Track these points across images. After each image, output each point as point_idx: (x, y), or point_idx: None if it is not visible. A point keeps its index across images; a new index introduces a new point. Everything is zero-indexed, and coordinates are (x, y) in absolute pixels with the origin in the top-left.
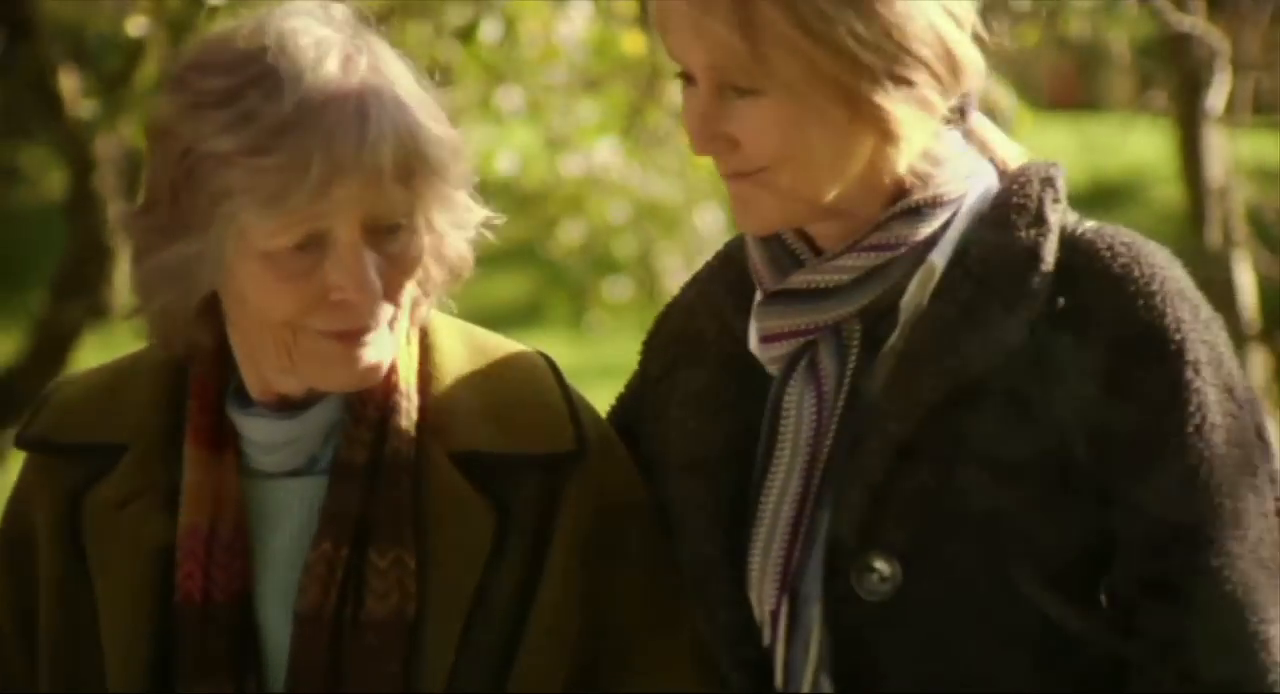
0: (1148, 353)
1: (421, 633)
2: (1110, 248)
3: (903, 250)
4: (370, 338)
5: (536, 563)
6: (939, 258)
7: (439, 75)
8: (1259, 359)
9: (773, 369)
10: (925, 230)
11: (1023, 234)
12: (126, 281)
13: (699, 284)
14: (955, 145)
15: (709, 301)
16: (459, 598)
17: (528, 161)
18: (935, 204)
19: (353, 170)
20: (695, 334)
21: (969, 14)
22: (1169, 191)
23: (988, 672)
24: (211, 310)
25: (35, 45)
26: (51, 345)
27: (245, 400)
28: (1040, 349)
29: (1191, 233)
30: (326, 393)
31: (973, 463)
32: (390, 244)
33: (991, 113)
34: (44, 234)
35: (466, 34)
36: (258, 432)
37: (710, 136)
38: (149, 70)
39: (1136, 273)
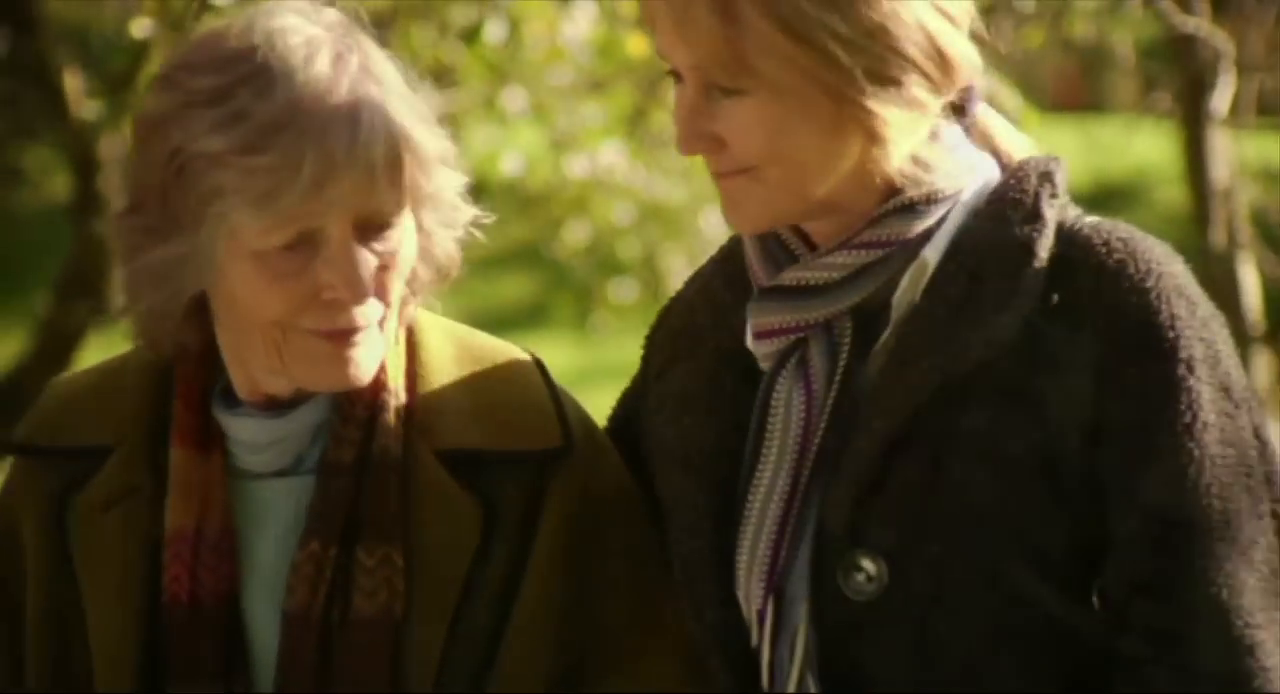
0: (1140, 349)
1: (409, 631)
2: (1106, 243)
3: (895, 248)
4: (361, 338)
5: (522, 560)
6: (932, 254)
7: (444, 76)
8: (1263, 361)
9: (765, 366)
10: (919, 227)
11: (1017, 229)
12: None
13: (700, 280)
14: (954, 140)
15: (709, 297)
16: (446, 596)
17: (532, 163)
18: (930, 200)
19: (345, 169)
20: (695, 329)
21: (964, 11)
22: (1173, 193)
23: (975, 672)
24: (199, 311)
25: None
26: (56, 346)
27: (232, 400)
28: (1034, 344)
29: (1196, 234)
30: (315, 393)
31: (963, 460)
32: (380, 243)
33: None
34: (48, 235)
35: (471, 35)
36: (245, 431)
37: (696, 135)
38: (153, 71)
39: (1131, 268)
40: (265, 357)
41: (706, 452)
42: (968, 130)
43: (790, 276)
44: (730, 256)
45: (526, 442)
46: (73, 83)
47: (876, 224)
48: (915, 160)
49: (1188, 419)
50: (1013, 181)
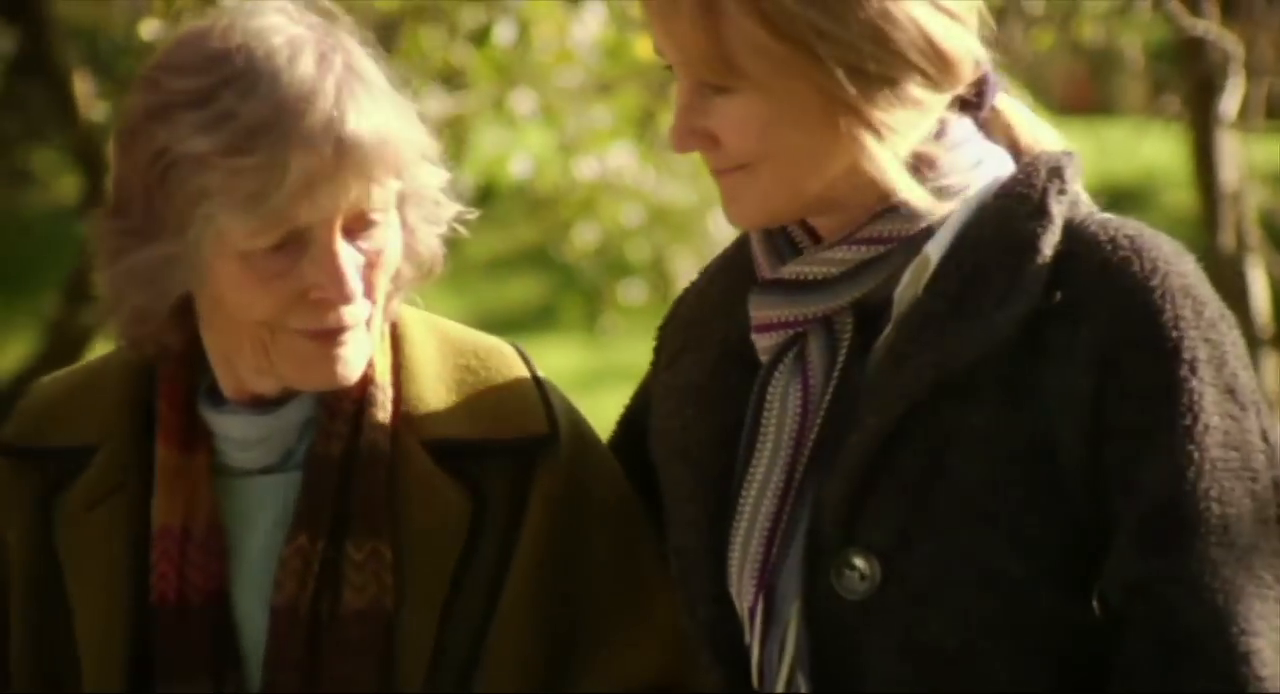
0: (1141, 348)
1: (399, 624)
2: (1112, 240)
3: (896, 244)
4: (348, 337)
5: (510, 549)
6: (935, 250)
7: (453, 79)
8: (1271, 363)
9: (764, 359)
10: (921, 223)
11: (1021, 225)
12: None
13: (713, 270)
14: (961, 135)
15: (718, 289)
16: (436, 588)
17: (541, 165)
18: (934, 196)
19: (331, 169)
20: (704, 320)
21: (966, 7)
22: (1182, 196)
23: (969, 671)
24: (182, 311)
25: (49, 48)
26: (64, 348)
27: (217, 398)
28: (1035, 342)
29: (1204, 237)
30: (301, 390)
31: (960, 457)
32: (367, 241)
33: None
34: (56, 237)
35: (480, 37)
36: (233, 429)
37: (689, 132)
38: None
39: (1136, 266)
40: (252, 357)
41: (706, 444)
42: (985, 124)
43: (790, 271)
44: (742, 247)
45: (513, 430)
46: (81, 85)
47: (878, 220)
48: (917, 156)
49: (1187, 421)
50: (1021, 177)
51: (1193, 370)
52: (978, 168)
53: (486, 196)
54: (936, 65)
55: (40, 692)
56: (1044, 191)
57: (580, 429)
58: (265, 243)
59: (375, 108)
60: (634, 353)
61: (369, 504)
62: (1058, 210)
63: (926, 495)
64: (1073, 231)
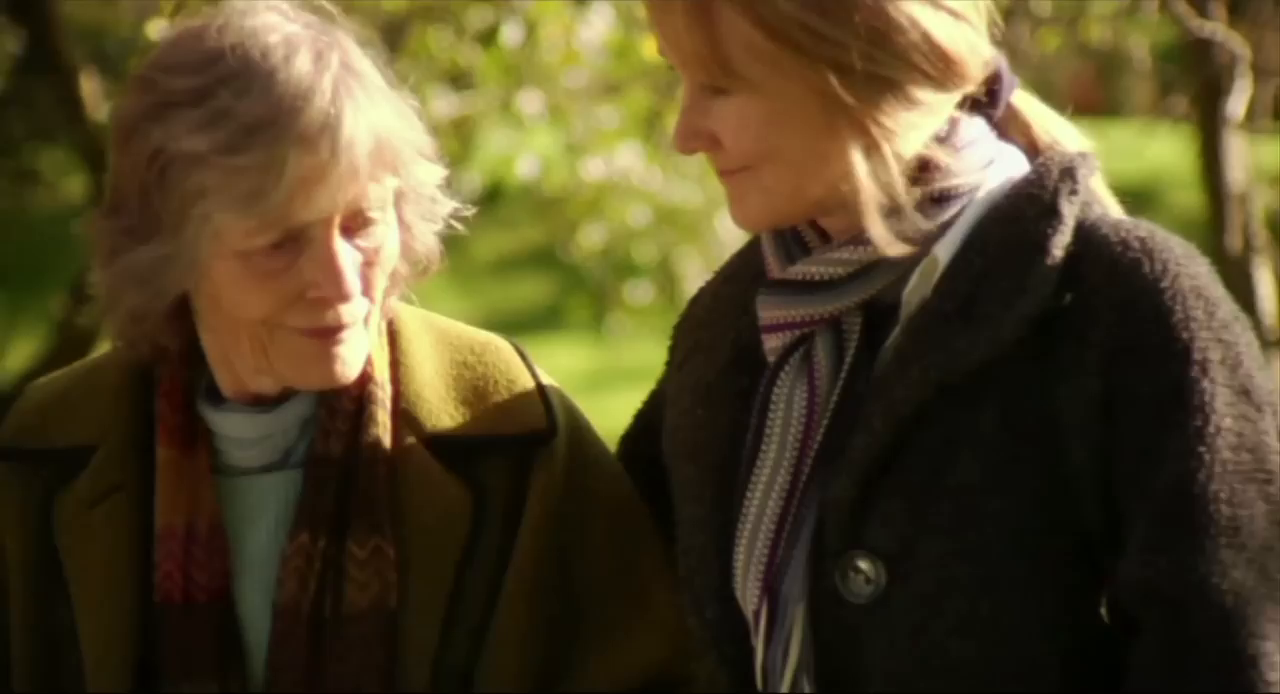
0: (1150, 350)
1: (402, 621)
2: (1123, 241)
3: None
4: (346, 335)
5: (510, 544)
6: (944, 250)
7: (460, 79)
8: (1279, 365)
9: (772, 360)
10: (929, 224)
11: (1031, 226)
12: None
13: (726, 271)
14: (972, 135)
15: (731, 288)
16: (440, 585)
17: (548, 166)
18: (943, 197)
19: (329, 168)
20: (716, 321)
21: (971, 6)
22: (1189, 197)
23: (974, 675)
24: (178, 311)
25: (56, 48)
26: (71, 347)
27: (216, 397)
28: (1044, 344)
29: (1211, 239)
30: (300, 389)
31: (966, 460)
32: (364, 239)
33: None
34: (64, 236)
35: (488, 38)
36: (233, 427)
37: (691, 133)
38: None
39: (1146, 267)
40: (251, 356)
41: (715, 444)
42: (1001, 123)
43: (797, 270)
44: (757, 247)
45: (511, 425)
46: (89, 84)
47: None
48: (924, 157)
49: (1198, 422)
50: (1033, 177)
51: (1204, 371)
52: (989, 168)
53: (493, 197)
54: (938, 66)
55: (43, 691)
56: (1055, 192)
57: (577, 424)
58: (263, 242)
59: (372, 106)
60: (641, 353)
61: (370, 502)
62: (1069, 211)
63: (932, 498)
64: (1084, 233)
